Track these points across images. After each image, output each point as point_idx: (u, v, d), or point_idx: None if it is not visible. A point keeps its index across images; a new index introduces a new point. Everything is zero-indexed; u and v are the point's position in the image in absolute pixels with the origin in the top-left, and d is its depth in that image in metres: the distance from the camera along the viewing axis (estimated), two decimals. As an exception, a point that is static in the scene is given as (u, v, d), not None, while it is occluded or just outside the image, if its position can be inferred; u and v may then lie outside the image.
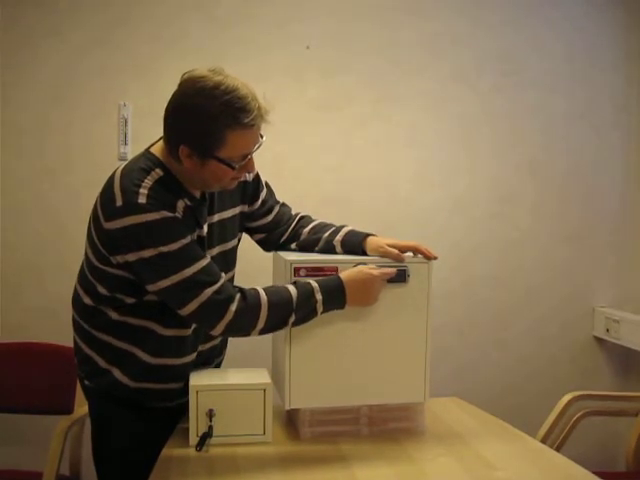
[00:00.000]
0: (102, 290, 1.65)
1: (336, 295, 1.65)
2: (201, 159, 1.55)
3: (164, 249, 1.52)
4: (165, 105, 1.61)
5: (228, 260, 1.82)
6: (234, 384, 1.71)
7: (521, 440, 1.78)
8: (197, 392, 1.67)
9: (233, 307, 1.57)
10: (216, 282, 1.57)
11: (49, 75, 2.64)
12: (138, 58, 2.67)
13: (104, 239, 1.58)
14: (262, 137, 1.61)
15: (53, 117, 2.65)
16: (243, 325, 1.61)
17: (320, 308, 1.64)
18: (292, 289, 1.63)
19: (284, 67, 2.75)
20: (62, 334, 2.40)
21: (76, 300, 1.75)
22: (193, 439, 1.67)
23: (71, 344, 1.82)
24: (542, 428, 2.43)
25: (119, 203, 1.52)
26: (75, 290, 1.76)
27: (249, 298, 1.60)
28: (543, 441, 2.33)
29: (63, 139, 2.66)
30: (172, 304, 1.59)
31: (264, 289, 1.63)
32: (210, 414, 1.67)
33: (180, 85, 1.56)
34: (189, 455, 1.63)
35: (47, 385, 2.45)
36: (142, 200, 1.51)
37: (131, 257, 1.54)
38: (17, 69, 2.63)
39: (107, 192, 1.56)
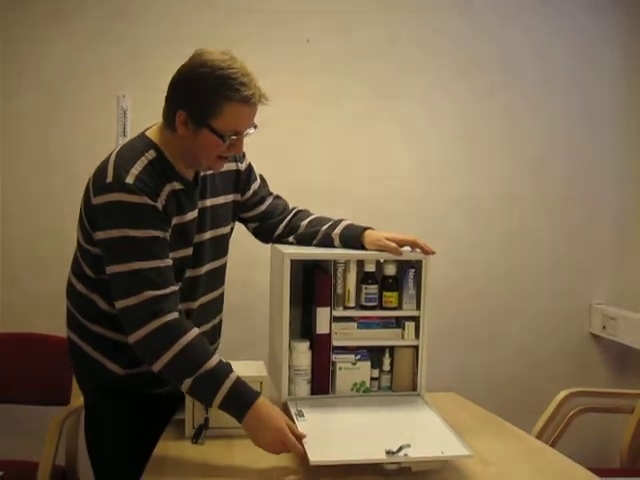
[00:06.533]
0: (89, 272, 1.66)
1: (237, 406, 1.52)
2: (195, 127, 1.57)
3: (130, 232, 1.52)
4: (163, 97, 1.64)
5: (219, 247, 1.82)
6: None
7: (516, 436, 1.78)
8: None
9: (157, 323, 1.50)
10: (162, 288, 1.52)
11: (49, 67, 2.64)
12: (137, 50, 2.67)
13: (89, 215, 1.60)
14: (255, 127, 1.64)
15: (52, 109, 2.66)
16: (152, 347, 1.52)
17: (217, 400, 1.51)
18: (208, 364, 1.51)
19: (284, 61, 2.74)
20: (60, 325, 2.40)
21: (69, 289, 1.77)
22: (189, 431, 1.67)
23: (68, 335, 1.83)
24: (537, 424, 2.44)
25: (109, 179, 1.54)
26: (69, 279, 1.77)
27: (176, 327, 1.52)
28: (538, 437, 2.34)
29: (63, 131, 2.67)
30: (113, 294, 1.55)
31: (195, 337, 1.53)
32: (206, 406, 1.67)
33: (189, 58, 1.61)
34: (185, 447, 1.63)
35: (44, 376, 2.46)
36: (129, 180, 1.53)
37: (101, 235, 1.55)
38: (17, 61, 2.63)
39: (101, 170, 1.58)
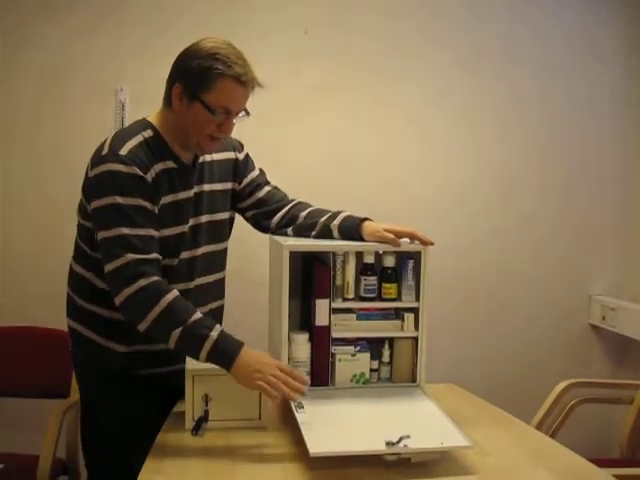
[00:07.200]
0: (86, 248, 1.72)
1: (222, 361, 1.58)
2: (188, 100, 1.64)
3: (119, 200, 1.58)
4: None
5: (217, 231, 1.86)
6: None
7: (516, 427, 1.79)
8: (193, 376, 1.67)
9: (144, 282, 1.57)
10: (144, 253, 1.59)
11: (46, 59, 2.64)
12: (134, 42, 2.66)
13: (86, 189, 1.69)
14: (248, 113, 1.70)
15: (50, 102, 2.65)
16: (138, 307, 1.58)
17: (202, 356, 1.57)
18: (194, 317, 1.58)
19: (282, 51, 2.73)
20: (60, 319, 2.41)
21: (69, 275, 1.83)
22: (189, 423, 1.67)
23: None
24: (537, 415, 2.44)
25: (104, 152, 1.62)
26: (69, 265, 1.83)
27: (161, 286, 1.59)
28: (538, 428, 2.34)
29: (61, 124, 2.66)
30: (102, 260, 1.62)
31: (178, 295, 1.59)
32: (206, 398, 1.67)
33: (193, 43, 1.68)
34: (185, 439, 1.63)
35: (44, 369, 2.46)
36: (122, 152, 1.60)
37: (93, 204, 1.63)
38: (13, 53, 2.62)
39: (99, 147, 1.67)
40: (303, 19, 2.75)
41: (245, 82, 1.63)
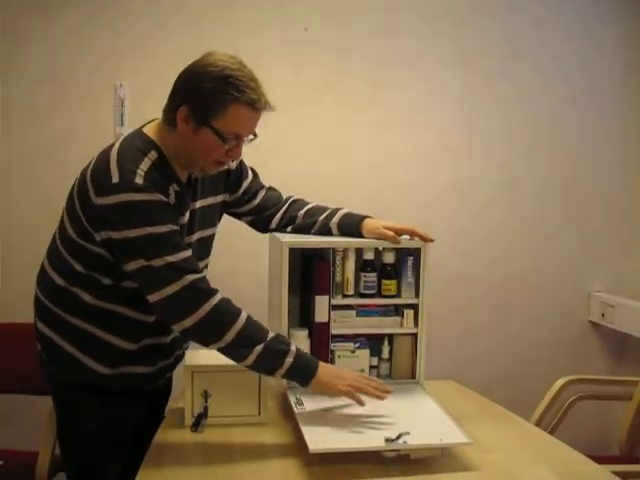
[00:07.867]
0: (78, 267, 1.61)
1: (303, 373, 1.60)
2: (196, 125, 1.54)
3: (151, 230, 1.50)
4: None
5: (205, 247, 1.80)
6: (230, 365, 1.69)
7: (515, 423, 1.79)
8: (192, 373, 1.67)
9: (215, 300, 1.53)
10: (197, 272, 1.54)
11: (44, 56, 2.62)
12: (134, 38, 2.64)
13: (91, 214, 1.55)
14: (256, 135, 1.62)
15: (49, 98, 2.63)
16: (213, 327, 1.54)
17: (282, 370, 1.57)
18: (271, 334, 1.58)
19: (282, 49, 2.73)
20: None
21: (44, 279, 1.70)
22: (188, 419, 1.67)
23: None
24: (536, 412, 2.44)
25: (115, 180, 1.49)
26: (43, 269, 1.71)
27: (231, 304, 1.57)
28: (537, 424, 2.34)
29: (60, 121, 2.64)
30: (146, 287, 1.54)
31: (248, 313, 1.58)
32: (205, 395, 1.67)
33: (199, 58, 1.58)
34: (184, 435, 1.64)
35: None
36: (139, 180, 1.50)
37: (116, 235, 1.51)
38: (12, 50, 2.61)
39: (101, 168, 1.53)
40: (303, 16, 2.75)
41: (259, 108, 1.55)
